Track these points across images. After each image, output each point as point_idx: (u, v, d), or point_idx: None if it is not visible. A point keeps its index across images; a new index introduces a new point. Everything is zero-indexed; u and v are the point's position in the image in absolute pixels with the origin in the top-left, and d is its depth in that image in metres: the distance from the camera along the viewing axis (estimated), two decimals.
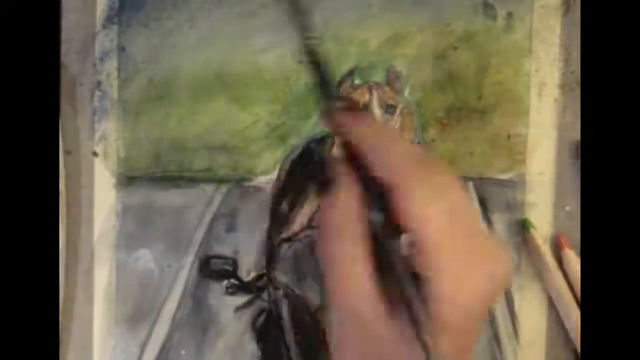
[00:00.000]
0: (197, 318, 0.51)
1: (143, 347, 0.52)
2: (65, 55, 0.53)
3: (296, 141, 0.51)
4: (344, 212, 0.32)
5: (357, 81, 0.50)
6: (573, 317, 0.44)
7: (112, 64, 0.53)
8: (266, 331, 0.51)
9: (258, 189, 0.51)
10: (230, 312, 0.51)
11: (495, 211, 0.48)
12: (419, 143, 0.49)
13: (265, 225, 0.51)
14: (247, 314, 0.51)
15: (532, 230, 0.46)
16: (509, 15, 0.48)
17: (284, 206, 0.51)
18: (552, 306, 0.47)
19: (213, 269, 0.51)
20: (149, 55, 0.53)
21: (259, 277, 0.51)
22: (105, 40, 0.53)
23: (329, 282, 0.31)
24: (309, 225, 0.50)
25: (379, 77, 0.49)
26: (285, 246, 0.50)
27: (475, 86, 0.48)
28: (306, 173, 0.50)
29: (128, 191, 0.53)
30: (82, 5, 0.53)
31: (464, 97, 0.48)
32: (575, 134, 0.47)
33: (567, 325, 0.45)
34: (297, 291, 0.50)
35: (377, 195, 0.31)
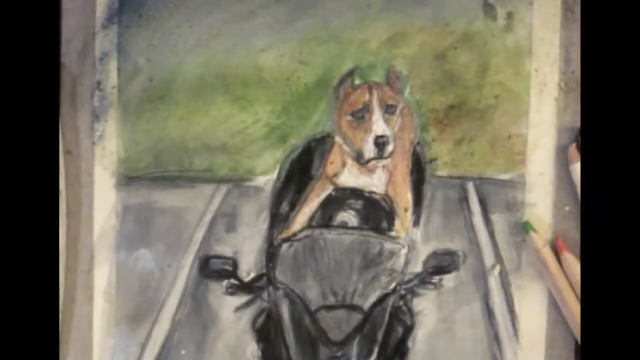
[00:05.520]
0: (197, 318, 0.51)
1: (143, 347, 0.52)
2: (65, 55, 0.53)
3: (296, 141, 0.51)
4: None
5: (357, 81, 0.50)
6: (575, 318, 0.44)
7: (112, 64, 0.53)
8: (266, 331, 0.51)
9: (258, 189, 0.51)
10: (230, 312, 0.51)
11: (495, 211, 0.48)
12: (419, 143, 0.49)
13: (265, 225, 0.51)
14: (247, 314, 0.51)
15: (532, 233, 0.46)
16: (509, 15, 0.48)
17: (284, 206, 0.51)
18: (552, 306, 0.47)
19: (213, 269, 0.51)
20: (149, 55, 0.53)
21: (259, 277, 0.51)
22: (105, 40, 0.53)
23: None
24: (309, 225, 0.50)
25: (379, 77, 0.49)
26: (285, 246, 0.50)
27: (475, 86, 0.48)
28: (306, 173, 0.51)
29: (128, 191, 0.53)
30: (82, 5, 0.53)
31: (464, 97, 0.48)
32: (575, 134, 0.47)
33: (570, 326, 0.45)
34: (297, 291, 0.50)
35: None
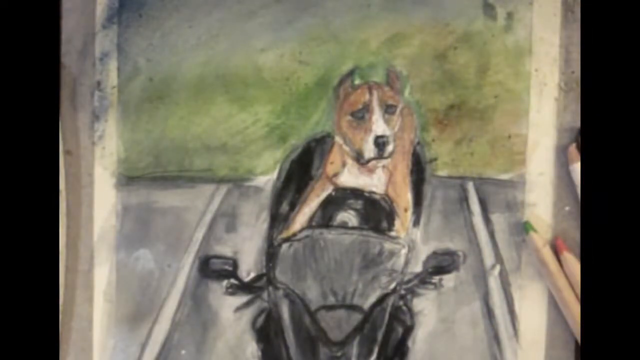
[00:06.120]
0: (197, 318, 0.51)
1: (143, 347, 0.52)
2: (65, 55, 0.53)
3: (296, 141, 0.51)
4: None
5: (357, 81, 0.50)
6: (575, 318, 0.44)
7: (112, 64, 0.53)
8: (266, 331, 0.51)
9: (258, 189, 0.51)
10: (230, 312, 0.51)
11: (495, 211, 0.48)
12: (419, 143, 0.49)
13: (265, 225, 0.51)
14: (247, 314, 0.51)
15: (532, 233, 0.46)
16: (509, 15, 0.48)
17: (284, 206, 0.51)
18: (552, 306, 0.47)
19: (213, 269, 0.51)
20: (149, 55, 0.53)
21: (259, 277, 0.51)
22: (105, 40, 0.53)
23: None
24: (309, 225, 0.50)
25: (379, 77, 0.49)
26: (285, 246, 0.50)
27: (475, 86, 0.48)
28: (306, 173, 0.51)
29: (128, 191, 0.53)
30: (82, 5, 0.53)
31: (464, 97, 0.48)
32: (575, 134, 0.47)
33: (570, 326, 0.45)
34: (297, 291, 0.50)
35: None
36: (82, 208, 0.53)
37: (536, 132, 0.47)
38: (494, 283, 0.48)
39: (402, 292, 0.49)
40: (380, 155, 0.49)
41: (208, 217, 0.52)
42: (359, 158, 0.49)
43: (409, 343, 0.48)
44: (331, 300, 0.49)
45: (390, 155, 0.49)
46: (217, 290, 0.51)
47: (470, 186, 0.48)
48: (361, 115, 0.49)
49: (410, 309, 0.49)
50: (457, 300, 0.48)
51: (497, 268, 0.48)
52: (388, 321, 0.49)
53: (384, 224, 0.49)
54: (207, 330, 0.51)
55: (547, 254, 0.46)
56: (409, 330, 0.48)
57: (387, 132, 0.49)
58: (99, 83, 0.53)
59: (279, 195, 0.51)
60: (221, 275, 0.51)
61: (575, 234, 0.47)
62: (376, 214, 0.49)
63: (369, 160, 0.49)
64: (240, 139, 0.51)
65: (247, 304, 0.51)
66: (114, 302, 0.53)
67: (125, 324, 0.52)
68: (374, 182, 0.50)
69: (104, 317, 0.53)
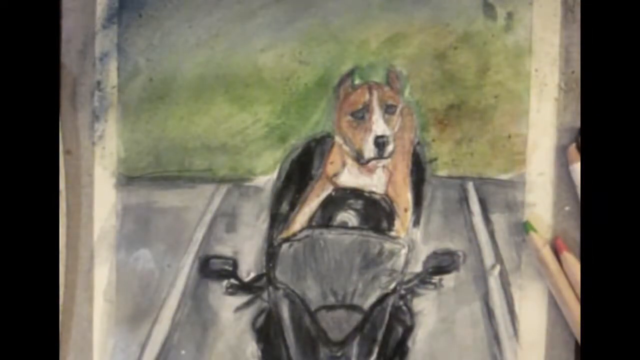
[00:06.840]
0: (197, 318, 0.51)
1: (143, 347, 0.52)
2: (65, 55, 0.53)
3: (296, 141, 0.51)
4: None
5: (357, 81, 0.50)
6: (575, 318, 0.44)
7: (112, 64, 0.53)
8: (266, 331, 0.51)
9: (258, 189, 0.51)
10: (230, 312, 0.51)
11: (495, 211, 0.48)
12: (419, 143, 0.49)
13: (265, 225, 0.51)
14: (247, 314, 0.51)
15: (532, 233, 0.46)
16: (509, 15, 0.48)
17: (284, 206, 0.51)
18: (552, 306, 0.47)
19: (213, 269, 0.51)
20: (149, 55, 0.53)
21: (259, 277, 0.51)
22: (105, 40, 0.53)
23: None
24: (309, 225, 0.50)
25: (379, 77, 0.49)
26: (285, 246, 0.50)
27: (475, 86, 0.48)
28: (306, 173, 0.51)
29: (128, 191, 0.53)
30: (82, 5, 0.53)
31: (464, 97, 0.48)
32: (575, 134, 0.47)
33: (570, 326, 0.45)
34: (297, 291, 0.50)
35: None
36: (82, 208, 0.53)
37: (536, 132, 0.47)
38: (494, 283, 0.48)
39: (402, 292, 0.49)
40: (380, 155, 0.49)
41: (208, 217, 0.52)
42: (359, 158, 0.49)
43: (409, 343, 0.48)
44: (331, 300, 0.49)
45: (390, 155, 0.49)
46: (217, 290, 0.51)
47: (470, 186, 0.48)
48: (361, 115, 0.49)
49: (410, 309, 0.49)
50: (457, 300, 0.48)
51: (497, 268, 0.48)
52: (388, 321, 0.49)
53: (384, 224, 0.49)
54: (207, 330, 0.51)
55: (547, 254, 0.46)
56: (409, 330, 0.48)
57: (387, 132, 0.49)
58: (99, 83, 0.53)
59: (279, 195, 0.51)
60: (221, 275, 0.51)
61: (575, 234, 0.47)
62: (376, 214, 0.49)
63: (369, 160, 0.49)
64: (240, 139, 0.51)
65: (247, 304, 0.51)
66: (114, 302, 0.53)
67: (125, 324, 0.52)
68: (374, 182, 0.50)
69: (104, 317, 0.53)
